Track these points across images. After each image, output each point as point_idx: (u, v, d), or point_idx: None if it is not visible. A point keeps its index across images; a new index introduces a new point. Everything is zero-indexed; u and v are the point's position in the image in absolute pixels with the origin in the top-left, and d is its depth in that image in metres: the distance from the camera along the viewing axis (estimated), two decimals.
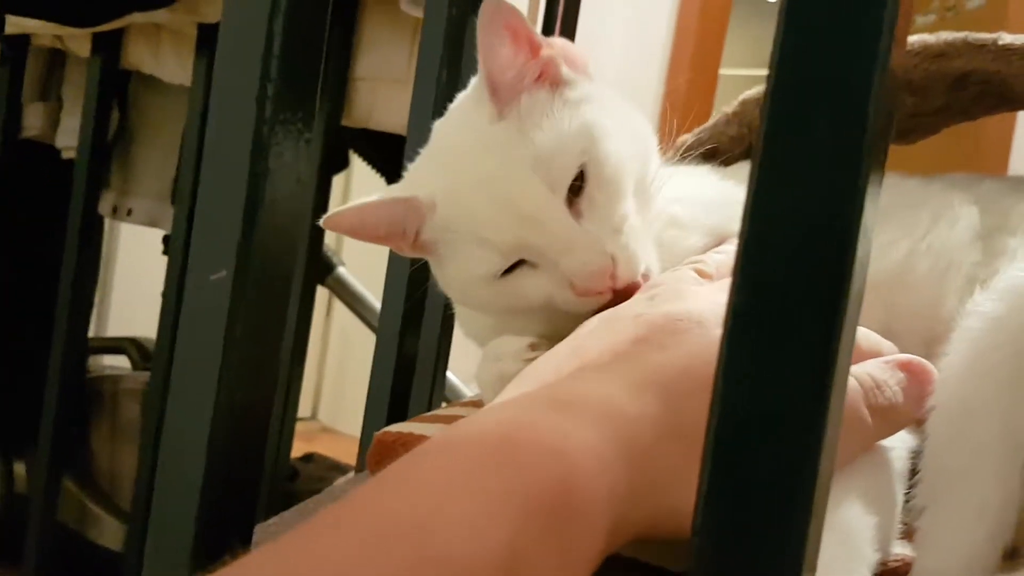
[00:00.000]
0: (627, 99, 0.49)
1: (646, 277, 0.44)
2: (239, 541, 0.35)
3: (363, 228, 0.46)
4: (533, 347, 0.46)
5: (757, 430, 0.22)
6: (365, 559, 0.23)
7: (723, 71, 2.40)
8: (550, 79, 0.46)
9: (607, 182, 0.43)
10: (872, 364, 0.36)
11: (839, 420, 0.22)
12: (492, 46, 0.44)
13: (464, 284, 0.46)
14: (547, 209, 0.42)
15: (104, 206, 1.40)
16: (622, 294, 0.43)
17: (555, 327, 0.46)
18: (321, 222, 0.45)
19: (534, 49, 0.45)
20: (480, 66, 0.45)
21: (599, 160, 0.43)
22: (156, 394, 1.24)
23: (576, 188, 0.43)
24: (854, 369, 0.35)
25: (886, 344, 0.39)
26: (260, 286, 0.30)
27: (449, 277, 0.47)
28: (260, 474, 0.34)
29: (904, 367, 0.36)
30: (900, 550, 0.35)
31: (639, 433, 0.30)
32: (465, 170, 0.44)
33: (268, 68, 0.29)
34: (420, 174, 0.48)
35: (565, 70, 0.46)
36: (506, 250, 0.43)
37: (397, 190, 0.47)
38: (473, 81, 0.48)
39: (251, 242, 0.29)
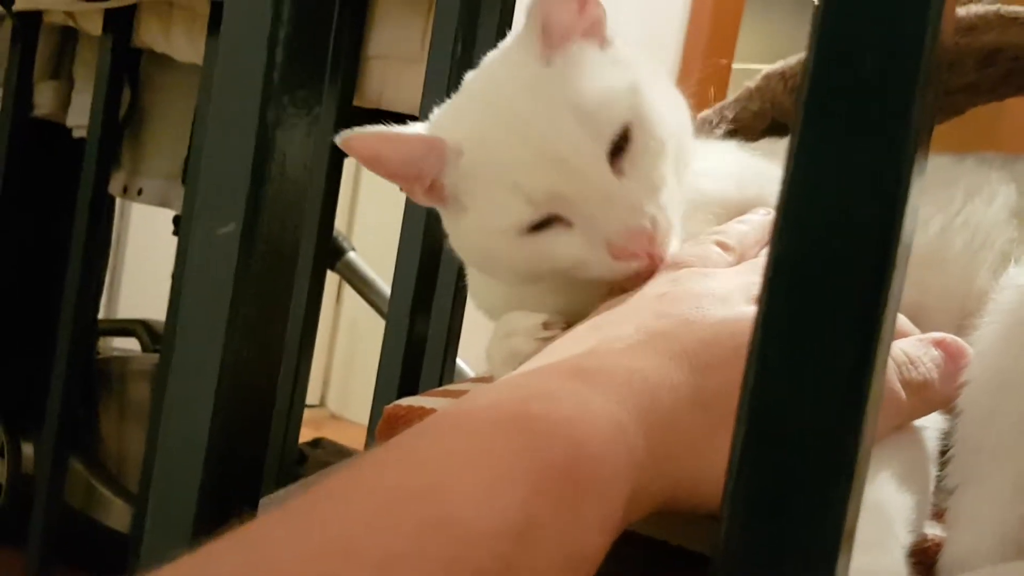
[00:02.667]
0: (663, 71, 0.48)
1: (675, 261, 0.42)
2: (244, 511, 0.34)
3: (378, 158, 0.43)
4: (547, 325, 0.45)
5: (794, 403, 0.21)
6: (374, 523, 0.22)
7: (736, 65, 2.38)
8: (598, 36, 0.44)
9: (651, 141, 0.42)
10: (906, 341, 0.35)
11: (880, 393, 0.21)
12: None
13: (486, 237, 0.44)
14: (588, 158, 0.40)
15: (115, 186, 1.40)
16: (653, 266, 0.41)
17: (573, 301, 0.45)
18: (338, 139, 0.41)
19: (582, 1, 0.44)
20: (533, 9, 0.43)
21: (645, 118, 0.42)
22: (165, 376, 1.24)
23: (617, 149, 0.41)
24: None
25: (913, 326, 0.38)
26: (269, 241, 0.29)
27: (469, 230, 0.45)
28: (266, 441, 0.33)
29: (938, 345, 0.35)
30: (929, 531, 0.34)
31: (659, 400, 0.30)
32: (501, 113, 0.42)
33: (280, 11, 0.27)
34: (448, 118, 0.46)
35: (610, 31, 0.45)
36: (539, 199, 0.41)
37: (421, 128, 0.45)
38: (512, 35, 0.46)
39: (261, 194, 0.28)
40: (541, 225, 0.42)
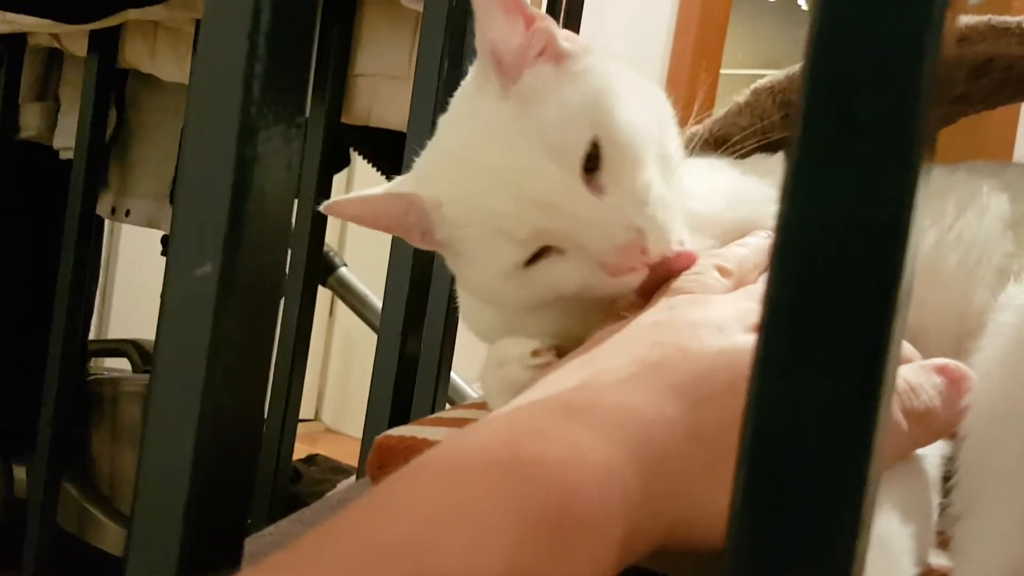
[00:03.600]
0: (636, 68, 0.46)
1: (682, 256, 0.41)
2: (229, 553, 0.33)
3: (362, 219, 0.45)
4: (536, 353, 0.44)
5: (796, 440, 0.20)
6: None
7: (724, 71, 2.38)
8: (552, 54, 0.43)
9: (624, 150, 0.41)
10: (907, 368, 0.34)
11: (887, 428, 0.20)
12: (489, 14, 0.41)
13: (487, 279, 0.44)
14: (561, 190, 0.40)
15: (103, 207, 1.39)
16: (660, 269, 0.40)
17: (568, 326, 0.44)
18: (322, 207, 0.44)
19: (528, 21, 0.42)
20: (480, 39, 0.42)
21: (611, 127, 0.41)
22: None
23: (592, 164, 0.40)
24: None
25: (915, 351, 0.37)
26: (249, 282, 0.28)
27: (469, 274, 0.45)
28: (252, 484, 0.32)
29: (940, 371, 0.34)
30: (935, 560, 0.33)
31: (655, 435, 0.29)
32: (469, 161, 0.42)
33: (256, 45, 0.27)
34: (425, 169, 0.46)
35: (564, 42, 0.43)
36: (525, 239, 0.41)
37: (400, 184, 0.45)
38: (473, 68, 0.45)
39: (239, 235, 0.27)
40: (535, 257, 0.42)
